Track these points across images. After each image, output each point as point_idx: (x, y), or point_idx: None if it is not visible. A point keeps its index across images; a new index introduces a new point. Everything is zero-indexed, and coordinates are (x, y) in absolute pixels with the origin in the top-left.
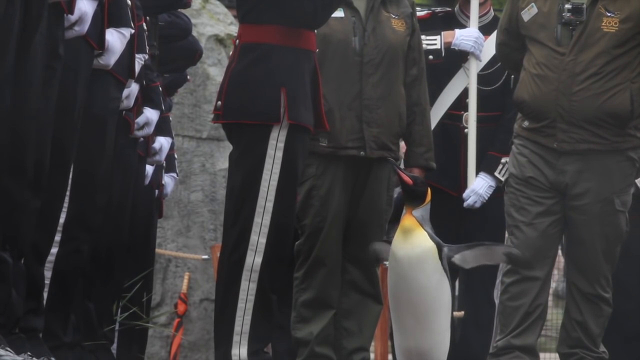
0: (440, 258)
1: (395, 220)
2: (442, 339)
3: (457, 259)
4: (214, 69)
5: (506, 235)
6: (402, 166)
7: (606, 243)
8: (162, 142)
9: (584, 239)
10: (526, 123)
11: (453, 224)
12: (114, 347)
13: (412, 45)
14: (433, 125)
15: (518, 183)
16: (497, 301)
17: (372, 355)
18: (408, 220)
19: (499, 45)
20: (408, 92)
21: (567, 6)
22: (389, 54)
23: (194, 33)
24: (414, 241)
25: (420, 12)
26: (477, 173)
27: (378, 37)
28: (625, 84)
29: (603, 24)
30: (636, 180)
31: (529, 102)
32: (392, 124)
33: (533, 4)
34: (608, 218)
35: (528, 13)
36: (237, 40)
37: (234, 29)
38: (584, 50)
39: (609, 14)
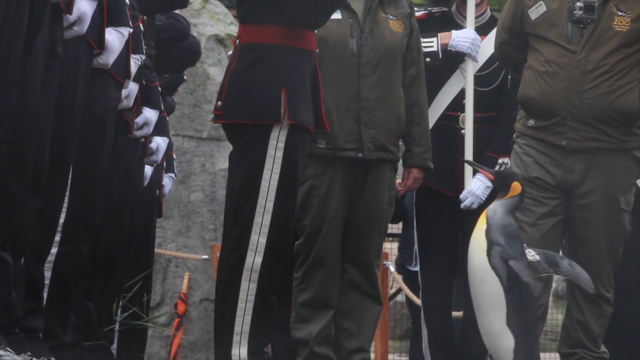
0: (489, 255)
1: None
2: (495, 339)
3: (513, 264)
4: (214, 69)
5: None
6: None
7: (610, 242)
8: (159, 142)
9: (589, 238)
10: (531, 121)
11: (450, 225)
12: (114, 347)
13: (410, 45)
14: (430, 126)
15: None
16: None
17: (372, 356)
18: (482, 214)
19: (500, 44)
20: (407, 93)
21: (579, 4)
22: (386, 56)
23: (194, 33)
24: (473, 235)
25: (417, 13)
26: (474, 174)
27: (375, 39)
28: (634, 83)
29: (615, 22)
30: (637, 181)
31: (536, 100)
32: (391, 125)
33: (541, 1)
34: (613, 217)
35: (536, 11)
36: (237, 41)
37: (234, 29)
38: (595, 48)
39: (620, 13)
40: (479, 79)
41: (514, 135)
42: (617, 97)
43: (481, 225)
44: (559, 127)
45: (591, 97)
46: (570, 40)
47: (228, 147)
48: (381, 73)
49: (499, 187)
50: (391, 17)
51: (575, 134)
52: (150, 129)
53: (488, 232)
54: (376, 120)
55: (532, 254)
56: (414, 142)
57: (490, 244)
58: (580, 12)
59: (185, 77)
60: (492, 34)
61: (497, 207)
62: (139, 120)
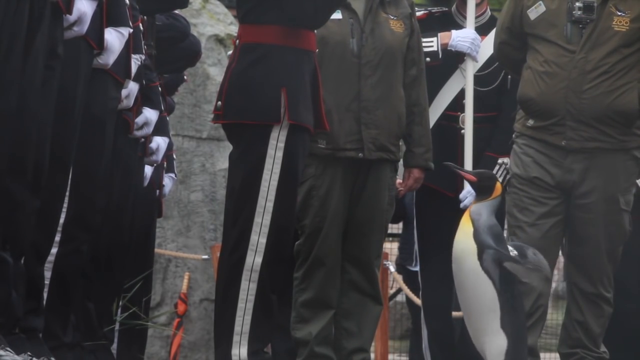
0: (481, 259)
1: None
2: (489, 341)
3: (509, 266)
4: (214, 69)
5: (505, 234)
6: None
7: (610, 242)
8: (159, 142)
9: (589, 238)
10: (531, 122)
11: (450, 225)
12: (114, 347)
13: (411, 45)
14: (430, 126)
15: (522, 183)
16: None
17: (372, 356)
18: (464, 217)
19: (500, 44)
20: (407, 93)
21: (578, 4)
22: (387, 56)
23: (194, 33)
24: (458, 238)
25: (417, 13)
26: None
27: (376, 39)
28: (633, 83)
29: (614, 22)
30: (637, 181)
31: (536, 100)
32: (391, 125)
33: (541, 1)
34: (613, 217)
35: (535, 11)
36: (237, 41)
37: (234, 29)
38: (594, 48)
39: (619, 13)
40: (479, 79)
41: (513, 135)
42: (616, 97)
43: (466, 228)
44: (558, 127)
45: (590, 97)
46: (569, 41)
47: (228, 147)
48: (382, 73)
49: (482, 189)
50: (392, 17)
51: (574, 134)
52: (151, 129)
53: (477, 235)
54: (376, 120)
55: (512, 252)
56: (415, 143)
57: (481, 247)
58: (579, 12)
59: (185, 77)
60: (492, 34)
61: (481, 209)
62: (139, 120)
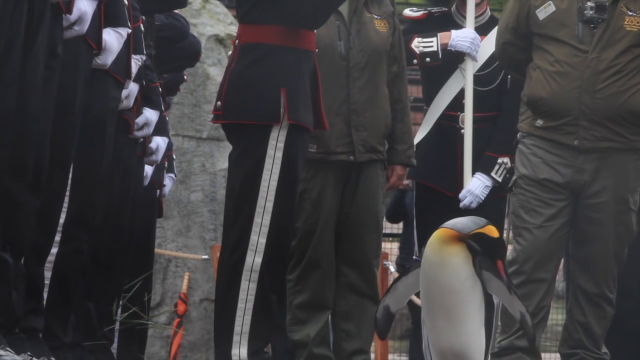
0: (475, 265)
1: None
2: (477, 343)
3: (484, 275)
4: (214, 69)
5: (505, 234)
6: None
7: (618, 242)
8: (159, 142)
9: (597, 238)
10: (540, 122)
11: None
12: (114, 347)
13: (392, 43)
14: (430, 126)
15: (529, 184)
16: (496, 301)
17: (372, 356)
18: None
19: (503, 44)
20: (389, 90)
21: (590, 4)
22: (373, 57)
23: (194, 33)
24: (450, 247)
25: (417, 13)
26: (473, 173)
27: (362, 40)
28: None
29: (625, 22)
30: None
31: (547, 100)
32: (379, 126)
33: (550, 1)
34: (622, 217)
35: (544, 11)
36: (237, 40)
37: (234, 29)
38: (607, 48)
39: (630, 13)
40: (478, 79)
41: (519, 135)
42: (628, 97)
43: (453, 236)
44: (570, 127)
45: (603, 97)
46: (581, 40)
47: (228, 147)
48: (369, 74)
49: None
50: (376, 17)
51: (587, 133)
52: (151, 129)
53: (470, 244)
54: (366, 122)
55: None
56: (398, 140)
57: (474, 254)
58: (591, 12)
59: (185, 77)
60: (492, 34)
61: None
62: (140, 120)
